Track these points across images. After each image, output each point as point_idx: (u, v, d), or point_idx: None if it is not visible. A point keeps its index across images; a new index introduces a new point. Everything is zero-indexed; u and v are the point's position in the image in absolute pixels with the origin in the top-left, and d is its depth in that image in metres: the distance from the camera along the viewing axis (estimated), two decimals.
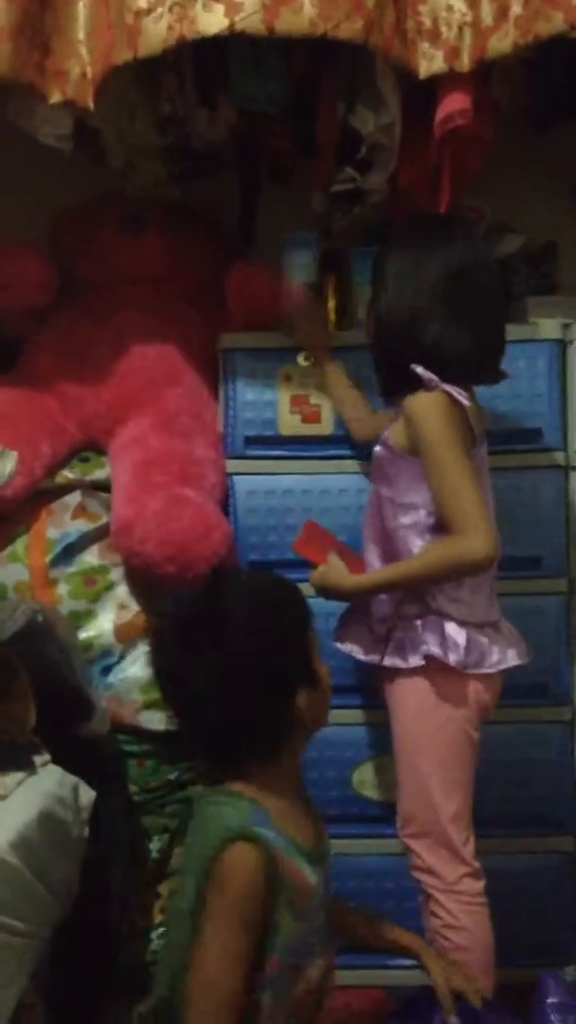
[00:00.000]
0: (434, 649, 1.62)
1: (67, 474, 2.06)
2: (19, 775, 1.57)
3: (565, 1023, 1.51)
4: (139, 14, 1.65)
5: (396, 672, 1.67)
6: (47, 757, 1.64)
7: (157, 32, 1.64)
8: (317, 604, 1.52)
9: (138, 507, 1.87)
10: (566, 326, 2.01)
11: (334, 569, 1.71)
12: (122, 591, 1.99)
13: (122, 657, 1.96)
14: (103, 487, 2.04)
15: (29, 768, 1.59)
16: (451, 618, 1.63)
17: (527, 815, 1.98)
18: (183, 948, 1.23)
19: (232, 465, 2.03)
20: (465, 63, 1.70)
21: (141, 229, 2.22)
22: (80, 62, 1.72)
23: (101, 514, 2.02)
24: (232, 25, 1.61)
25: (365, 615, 1.75)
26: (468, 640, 1.62)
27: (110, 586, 1.98)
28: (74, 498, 2.04)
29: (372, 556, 1.74)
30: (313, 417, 2.01)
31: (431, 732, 1.64)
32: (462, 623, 1.63)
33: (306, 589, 1.53)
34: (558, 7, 1.64)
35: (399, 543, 1.67)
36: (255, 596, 1.32)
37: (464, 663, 1.61)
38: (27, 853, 1.43)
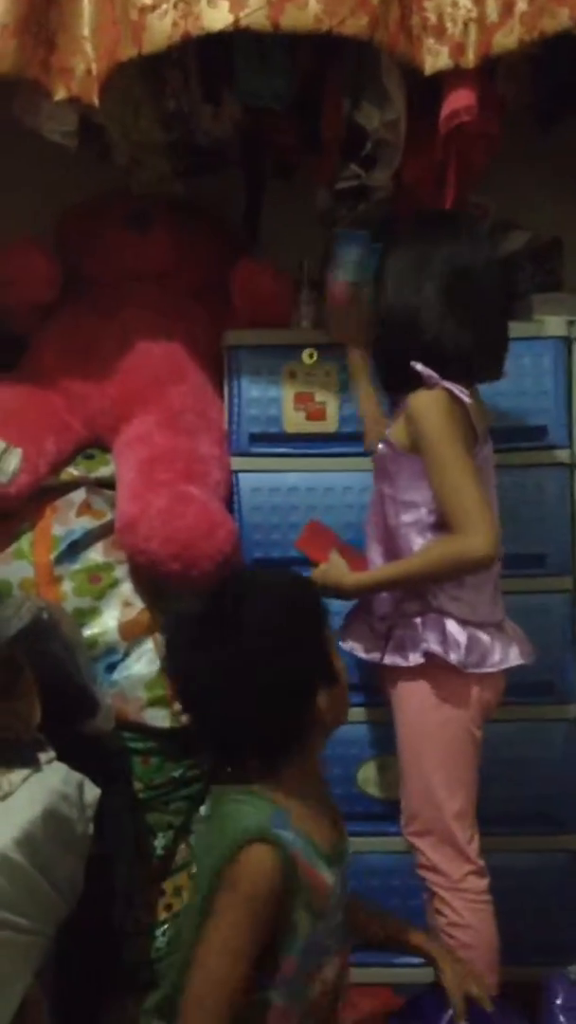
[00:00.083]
0: (434, 647, 1.62)
1: (72, 471, 2.06)
2: (24, 772, 1.57)
3: None
4: (144, 10, 1.64)
5: (399, 671, 1.67)
6: (52, 754, 1.64)
7: (162, 28, 1.64)
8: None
9: (143, 504, 1.87)
10: (571, 323, 2.00)
11: (335, 567, 1.71)
12: (127, 588, 1.99)
13: (127, 654, 1.96)
14: (108, 484, 2.04)
15: (34, 765, 1.59)
16: (452, 616, 1.63)
17: (532, 813, 1.98)
18: (191, 944, 1.23)
19: (237, 462, 2.03)
20: (470, 59, 1.70)
21: (146, 226, 2.22)
22: (85, 58, 1.72)
23: (106, 511, 2.02)
24: (237, 21, 1.61)
25: (367, 613, 1.75)
26: (469, 639, 1.62)
27: (115, 583, 1.98)
28: (79, 495, 2.04)
29: (374, 554, 1.74)
30: (317, 414, 2.01)
31: (434, 731, 1.64)
32: (463, 622, 1.63)
33: None
34: (564, 3, 1.64)
35: (400, 541, 1.67)
36: (273, 596, 1.31)
37: (465, 662, 1.61)
38: (32, 850, 1.43)
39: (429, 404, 1.59)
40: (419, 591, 1.65)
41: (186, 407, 2.05)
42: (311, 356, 2.00)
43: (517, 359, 1.92)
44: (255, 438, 2.03)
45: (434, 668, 1.63)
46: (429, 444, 1.59)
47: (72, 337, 2.15)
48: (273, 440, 2.02)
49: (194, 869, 1.97)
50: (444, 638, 1.62)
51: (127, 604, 1.98)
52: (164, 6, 1.63)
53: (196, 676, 1.28)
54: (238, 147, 2.18)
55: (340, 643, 1.77)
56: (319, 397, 2.01)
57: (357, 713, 1.96)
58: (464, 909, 1.62)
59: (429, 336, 1.62)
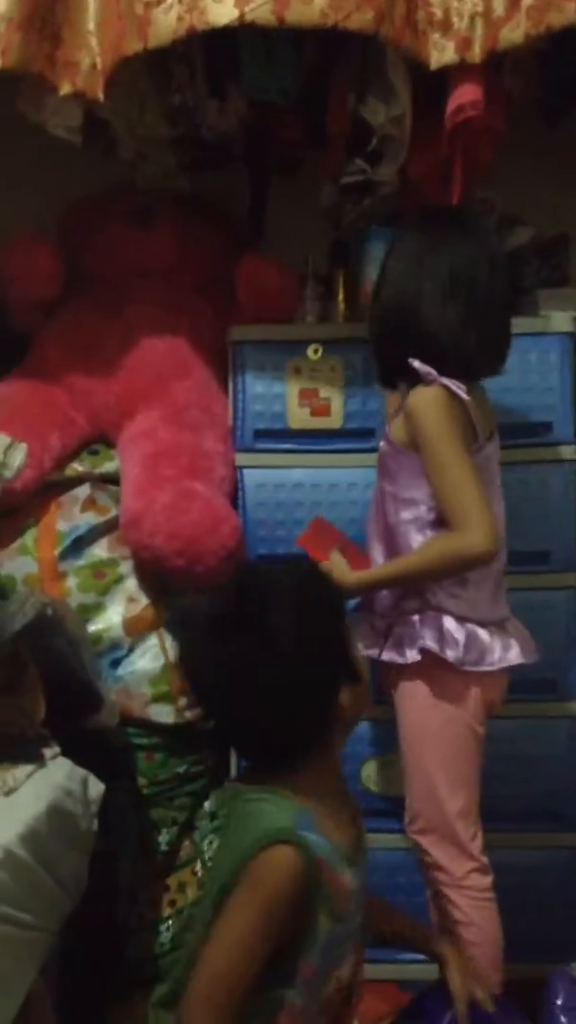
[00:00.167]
0: (430, 644, 1.61)
1: (76, 467, 2.06)
2: (28, 768, 1.57)
3: None
4: (149, 5, 1.64)
5: (400, 670, 1.66)
6: (56, 750, 1.64)
7: (167, 23, 1.64)
8: None
9: (147, 500, 1.87)
10: None
11: (336, 565, 1.71)
12: (131, 584, 1.99)
13: (131, 650, 1.96)
14: (112, 480, 2.04)
15: (38, 761, 1.59)
16: (450, 614, 1.63)
17: (535, 810, 1.98)
18: (201, 939, 1.21)
19: (241, 458, 2.03)
20: (476, 54, 1.69)
21: (151, 221, 2.21)
22: (90, 53, 1.72)
23: (110, 507, 2.01)
24: (242, 16, 1.61)
25: (369, 611, 1.75)
26: (468, 637, 1.62)
27: (119, 579, 1.98)
28: (83, 491, 2.04)
29: (376, 552, 1.74)
30: (322, 410, 2.01)
31: (435, 729, 1.64)
32: (461, 619, 1.63)
33: None
34: None
35: (400, 539, 1.67)
36: (295, 593, 1.28)
37: (462, 660, 1.60)
38: (36, 846, 1.43)
39: (427, 401, 1.59)
40: (418, 589, 1.64)
41: (190, 403, 2.05)
42: (316, 352, 2.00)
43: (523, 355, 1.91)
44: (259, 434, 2.02)
45: (434, 667, 1.62)
46: (427, 441, 1.58)
47: (76, 333, 2.15)
48: (278, 436, 2.02)
49: (198, 866, 1.98)
50: (441, 635, 1.61)
51: (131, 600, 1.98)
52: (169, 0, 1.63)
53: (219, 676, 1.26)
54: (243, 142, 2.18)
55: None
56: (324, 393, 2.00)
57: None
58: (467, 907, 1.62)
59: (426, 332, 1.61)
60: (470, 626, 1.63)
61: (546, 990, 1.52)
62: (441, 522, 1.61)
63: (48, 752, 1.62)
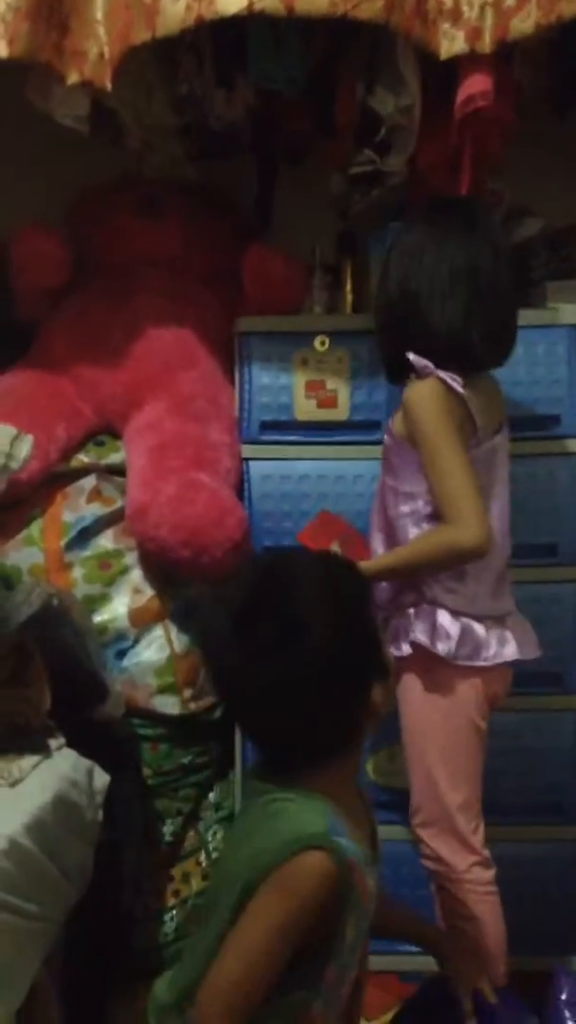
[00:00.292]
0: (420, 637, 1.61)
1: (82, 458, 2.06)
2: (34, 758, 1.57)
3: None
4: None
5: (401, 664, 1.66)
6: (62, 741, 1.64)
7: (175, 12, 1.63)
8: None
9: (153, 492, 1.87)
10: None
11: None
12: (137, 575, 1.99)
13: (136, 641, 1.97)
14: (118, 471, 2.04)
15: (44, 751, 1.60)
16: (446, 608, 1.62)
17: (539, 803, 1.97)
18: (218, 938, 1.17)
19: (247, 450, 2.03)
20: (487, 44, 1.68)
21: (158, 211, 2.21)
22: (98, 42, 1.71)
23: (116, 498, 2.01)
24: (251, 5, 1.60)
25: None
26: (463, 631, 1.60)
27: (125, 570, 1.98)
28: (89, 482, 2.04)
29: (377, 544, 1.74)
30: (329, 402, 2.00)
31: (436, 723, 1.63)
32: (457, 613, 1.62)
33: None
34: None
35: (399, 532, 1.67)
36: (326, 587, 1.23)
37: (455, 654, 1.59)
38: (41, 836, 1.44)
39: (422, 394, 1.58)
40: (416, 582, 1.64)
41: (197, 394, 2.05)
42: (323, 343, 1.99)
43: (531, 347, 1.90)
44: (266, 425, 2.02)
45: (430, 660, 1.62)
46: (422, 435, 1.58)
47: (83, 323, 2.14)
48: (284, 428, 2.02)
49: (203, 856, 1.99)
50: (433, 629, 1.61)
51: (137, 591, 1.98)
52: None
53: (249, 671, 1.20)
54: (251, 132, 2.17)
55: None
56: (331, 385, 2.00)
57: None
58: (470, 900, 1.62)
59: (426, 324, 1.60)
60: (466, 620, 1.62)
61: (551, 986, 1.52)
62: (437, 516, 1.60)
63: (54, 743, 1.63)
